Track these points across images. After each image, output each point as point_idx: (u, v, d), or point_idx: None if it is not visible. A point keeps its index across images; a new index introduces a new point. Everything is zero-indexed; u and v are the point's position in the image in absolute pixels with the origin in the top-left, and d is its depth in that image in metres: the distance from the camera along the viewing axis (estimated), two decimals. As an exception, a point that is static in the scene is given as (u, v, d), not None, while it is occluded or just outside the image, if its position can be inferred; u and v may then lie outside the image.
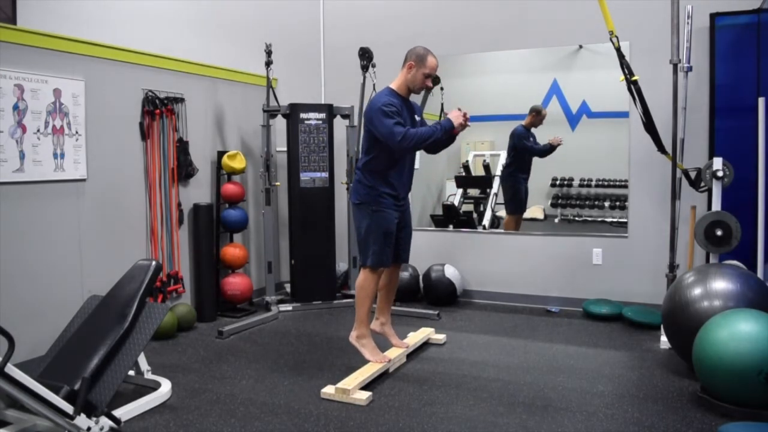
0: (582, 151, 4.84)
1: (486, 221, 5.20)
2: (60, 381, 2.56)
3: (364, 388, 3.11)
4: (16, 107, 3.34)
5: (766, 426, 2.50)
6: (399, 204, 3.43)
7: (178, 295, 4.43)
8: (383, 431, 2.68)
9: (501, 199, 5.30)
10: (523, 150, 5.07)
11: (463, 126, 3.27)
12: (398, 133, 3.11)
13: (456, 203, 5.36)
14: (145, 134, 4.13)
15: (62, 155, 3.59)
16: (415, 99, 3.60)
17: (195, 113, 4.56)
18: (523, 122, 4.99)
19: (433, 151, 3.51)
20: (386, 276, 3.52)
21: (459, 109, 3.28)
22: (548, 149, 4.92)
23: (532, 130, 5.04)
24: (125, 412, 2.78)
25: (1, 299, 3.26)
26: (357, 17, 5.47)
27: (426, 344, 3.93)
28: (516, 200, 5.16)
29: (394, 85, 3.36)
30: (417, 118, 3.43)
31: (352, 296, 5.03)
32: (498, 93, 5.13)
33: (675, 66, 3.74)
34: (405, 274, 4.97)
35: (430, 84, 3.35)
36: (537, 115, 4.95)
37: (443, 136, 3.26)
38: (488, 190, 5.26)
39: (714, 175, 3.78)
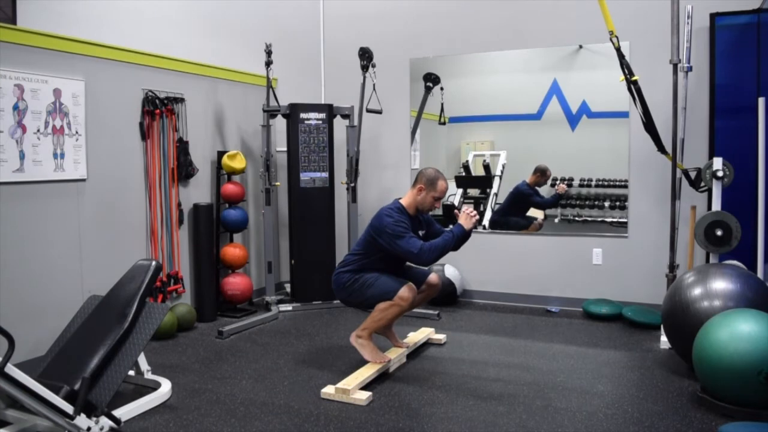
0: (582, 151, 4.84)
1: (486, 221, 5.20)
2: (60, 381, 2.57)
3: (364, 388, 3.11)
4: (16, 107, 3.34)
5: (766, 426, 2.50)
6: None
7: (178, 295, 4.44)
8: (383, 431, 2.68)
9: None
10: (530, 206, 5.04)
11: (475, 225, 3.34)
12: (415, 247, 3.19)
13: (456, 203, 5.36)
14: (145, 134, 4.13)
15: (62, 155, 3.59)
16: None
17: (195, 113, 4.56)
18: (527, 179, 4.98)
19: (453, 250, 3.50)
20: (418, 295, 3.49)
21: (464, 210, 3.35)
22: (556, 200, 4.92)
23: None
24: (125, 412, 2.78)
25: (1, 299, 3.26)
26: (357, 17, 5.47)
27: (426, 344, 3.93)
28: (517, 223, 5.15)
29: (404, 203, 3.42)
30: (421, 232, 3.48)
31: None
32: (498, 93, 5.12)
33: (675, 66, 3.74)
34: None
35: (438, 206, 3.43)
36: (542, 176, 4.94)
37: (458, 243, 3.31)
38: (488, 190, 5.26)
39: (714, 175, 3.78)
